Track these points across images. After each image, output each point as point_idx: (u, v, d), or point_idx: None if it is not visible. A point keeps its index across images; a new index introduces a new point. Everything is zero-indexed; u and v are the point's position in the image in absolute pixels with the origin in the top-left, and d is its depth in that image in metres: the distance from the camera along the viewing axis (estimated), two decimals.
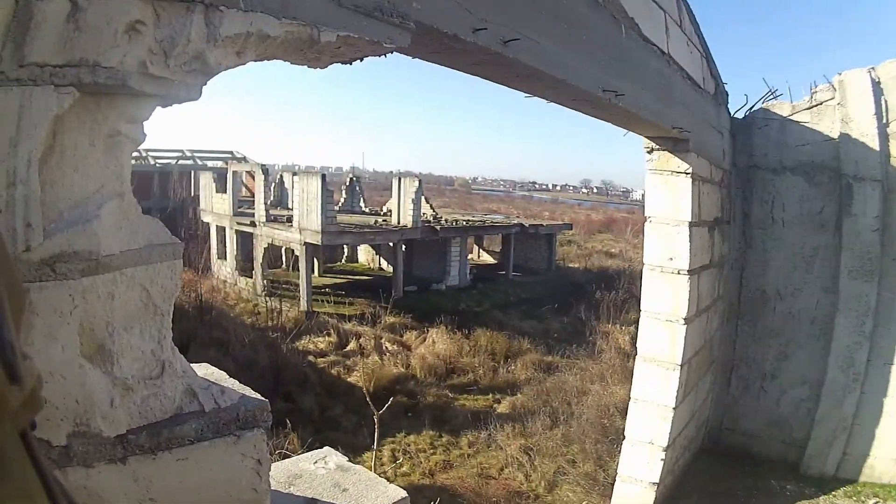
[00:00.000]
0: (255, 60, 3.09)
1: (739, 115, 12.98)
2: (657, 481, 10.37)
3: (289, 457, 14.70)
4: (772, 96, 12.79)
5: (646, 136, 9.91)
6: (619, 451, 11.29)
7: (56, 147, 2.34)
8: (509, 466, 19.10)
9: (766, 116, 12.65)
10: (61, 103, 2.24)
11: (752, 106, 12.96)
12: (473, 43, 4.36)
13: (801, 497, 11.22)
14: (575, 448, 18.91)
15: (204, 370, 3.45)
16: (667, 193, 10.01)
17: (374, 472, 15.26)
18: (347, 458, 4.71)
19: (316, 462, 4.54)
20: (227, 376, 3.39)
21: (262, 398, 3.12)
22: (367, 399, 10.63)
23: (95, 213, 2.43)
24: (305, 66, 3.72)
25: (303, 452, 5.00)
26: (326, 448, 4.91)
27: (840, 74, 11.88)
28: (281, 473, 4.31)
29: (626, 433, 10.97)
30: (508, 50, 4.79)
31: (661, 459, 10.31)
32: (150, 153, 58.65)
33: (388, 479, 14.30)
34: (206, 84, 2.80)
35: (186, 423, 2.74)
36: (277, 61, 3.31)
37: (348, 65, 3.76)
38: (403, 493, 4.21)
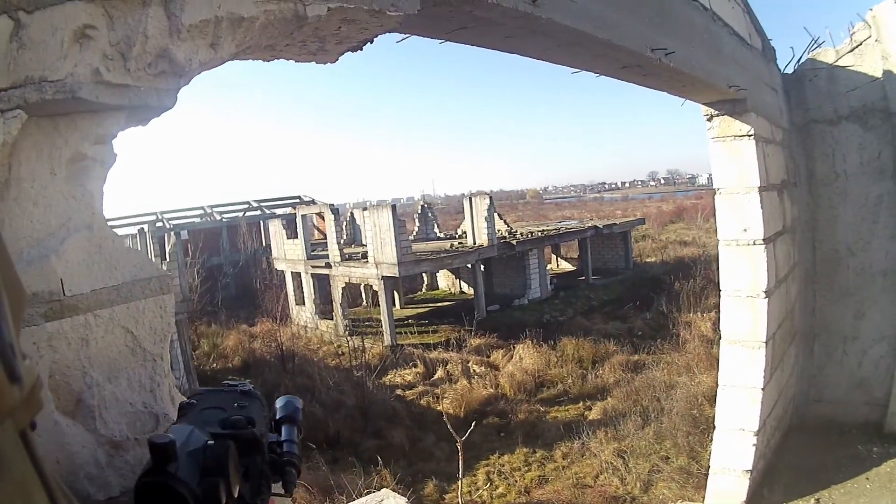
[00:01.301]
0: (241, 55, 2.74)
1: (789, 70, 12.48)
2: (750, 468, 9.93)
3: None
4: (815, 45, 12.32)
5: (703, 103, 9.62)
6: (711, 441, 10.99)
7: (11, 180, 2.07)
8: (604, 472, 18.99)
9: (813, 67, 12.16)
10: (8, 129, 1.98)
11: (799, 58, 12.47)
12: (496, 3, 3.92)
13: (888, 457, 10.79)
14: (667, 444, 18.79)
15: None
16: (733, 160, 9.64)
17: (468, 498, 15.05)
18: (407, 500, 4.32)
19: None
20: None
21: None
22: (449, 428, 10.28)
23: (55, 249, 2.13)
24: (314, 63, 3.38)
25: (366, 494, 4.61)
26: (384, 491, 4.54)
27: (872, 10, 11.38)
28: None
29: (716, 422, 10.54)
30: (539, 9, 4.28)
31: (753, 445, 9.87)
32: (216, 209, 59.50)
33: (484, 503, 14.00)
34: (179, 88, 2.43)
35: None
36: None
37: (359, 51, 3.38)
38: None
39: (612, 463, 19.02)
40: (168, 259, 31.41)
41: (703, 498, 10.97)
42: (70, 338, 2.14)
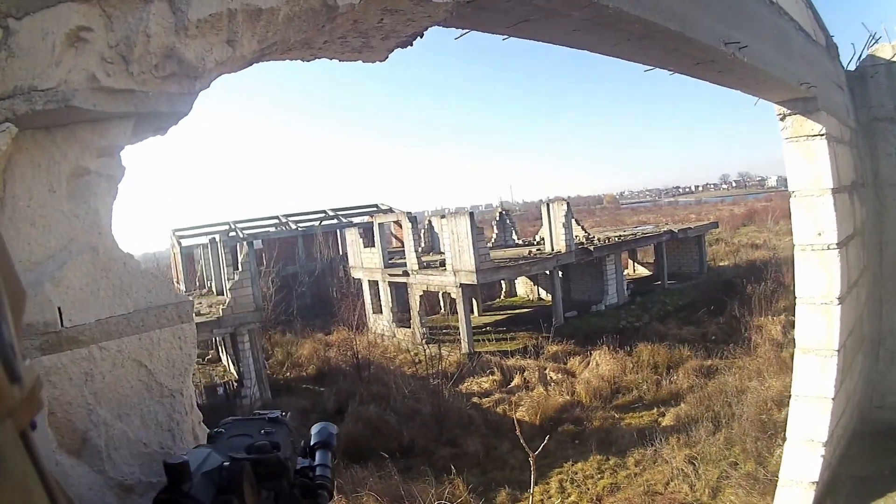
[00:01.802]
0: (270, 53, 2.50)
1: (851, 67, 12.10)
2: (816, 480, 9.66)
3: None
4: (874, 40, 11.91)
5: (775, 102, 9.40)
6: (778, 446, 10.80)
7: (6, 198, 1.88)
8: (674, 479, 19.06)
9: (873, 63, 11.82)
10: None
11: (860, 55, 12.08)
12: None
13: None
14: (736, 450, 18.90)
15: None
16: (806, 161, 9.42)
17: None
18: None
19: None
20: None
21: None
22: (522, 441, 10.14)
23: (51, 275, 1.92)
24: (361, 62, 3.16)
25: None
26: None
27: None
28: None
29: (787, 433, 10.29)
30: None
31: (821, 456, 9.63)
32: (291, 218, 60.07)
33: None
34: (196, 91, 2.18)
35: None
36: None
37: (409, 46, 3.14)
38: None
39: (682, 469, 19.11)
40: (241, 269, 31.52)
41: None
42: (71, 372, 1.94)
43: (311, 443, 2.08)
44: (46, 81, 1.83)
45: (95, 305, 1.99)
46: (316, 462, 1.99)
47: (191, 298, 2.32)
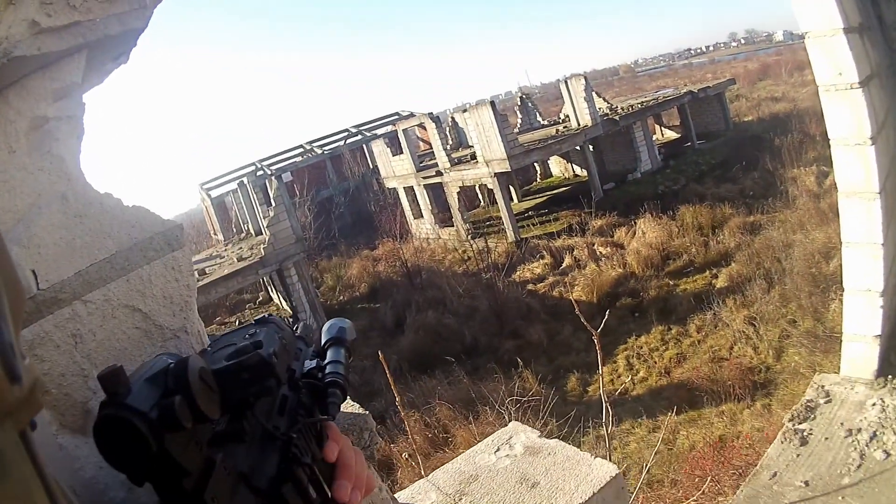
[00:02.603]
0: None
1: None
2: (879, 333, 9.35)
3: (523, 401, 14.31)
4: None
5: None
6: (832, 300, 10.51)
7: None
8: (738, 343, 19.25)
9: None
10: None
11: None
12: None
13: None
14: (793, 306, 18.91)
15: None
16: (813, 2, 8.98)
17: (610, 388, 14.74)
18: (539, 434, 3.91)
19: (499, 449, 3.77)
20: (352, 403, 2.59)
21: (361, 412, 2.40)
22: (583, 321, 9.98)
23: (19, 238, 1.74)
24: None
25: (483, 440, 4.20)
26: (512, 424, 4.16)
27: None
28: (452, 480, 3.57)
29: (844, 284, 10.06)
30: None
31: (881, 307, 9.29)
32: (315, 144, 59.86)
33: (626, 391, 13.69)
34: (147, 3, 1.97)
35: None
36: None
37: None
38: (613, 471, 3.35)
39: (744, 332, 19.27)
40: (273, 204, 31.45)
41: (835, 365, 10.72)
42: (57, 339, 1.76)
43: (322, 343, 1.89)
44: None
45: (73, 257, 1.82)
46: (326, 361, 1.80)
47: (180, 223, 2.12)
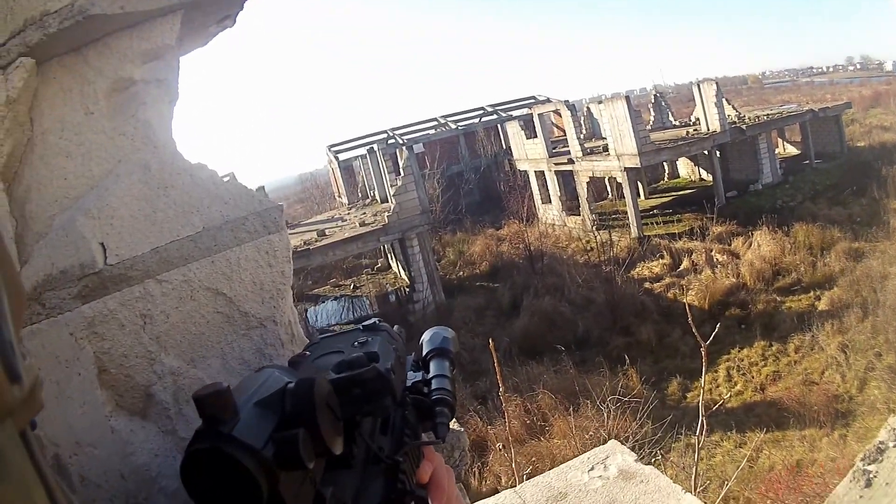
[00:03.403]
0: None
1: None
2: None
3: (624, 400, 14.31)
4: None
5: None
6: None
7: (35, 137, 1.66)
8: (829, 368, 19.79)
9: None
10: (12, 84, 1.58)
11: None
12: None
13: None
14: (881, 339, 19.28)
15: None
16: None
17: (708, 396, 14.64)
18: (636, 458, 3.76)
19: (592, 468, 3.66)
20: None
21: (456, 429, 2.30)
22: (694, 331, 9.87)
23: (87, 207, 1.65)
24: None
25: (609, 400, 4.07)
26: (611, 444, 4.03)
27: None
28: (541, 494, 3.43)
29: None
30: None
31: None
32: (450, 119, 59.68)
33: (723, 402, 13.66)
34: None
35: None
36: None
37: None
38: None
39: (835, 358, 19.75)
40: (402, 173, 31.74)
41: None
42: (123, 318, 1.66)
43: (423, 353, 1.69)
44: (59, 2, 1.59)
45: (152, 232, 1.72)
46: (431, 374, 1.61)
47: (281, 204, 1.99)
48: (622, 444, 4.05)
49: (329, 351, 1.46)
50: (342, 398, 1.13)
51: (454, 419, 2.32)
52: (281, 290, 1.93)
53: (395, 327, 1.67)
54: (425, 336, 1.73)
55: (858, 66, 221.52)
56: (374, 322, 1.58)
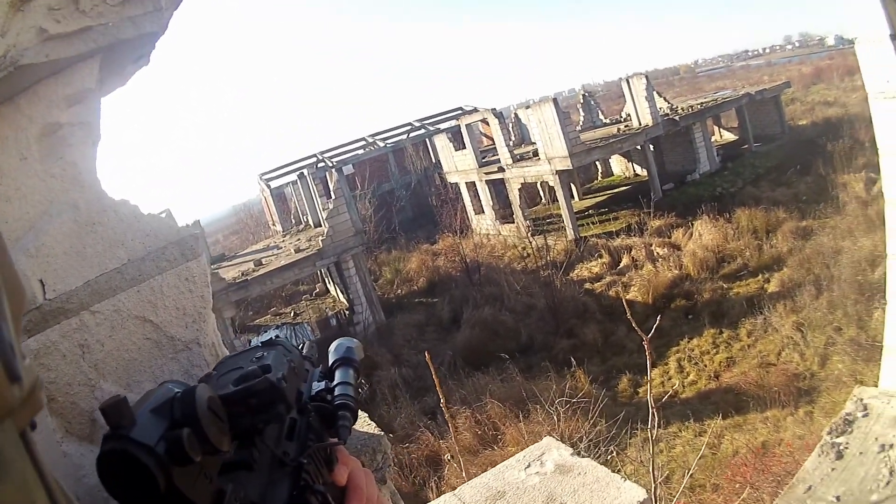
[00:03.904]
0: None
1: None
2: None
3: (573, 402, 14.36)
4: None
5: None
6: (875, 308, 10.51)
7: None
8: (786, 348, 19.66)
9: None
10: None
11: None
12: None
13: None
14: (839, 314, 19.21)
15: None
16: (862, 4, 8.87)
17: (660, 389, 14.81)
18: (572, 451, 3.87)
19: (529, 465, 3.75)
20: (368, 422, 2.56)
21: (376, 433, 2.37)
22: (634, 325, 9.99)
23: (27, 247, 1.75)
24: None
25: (519, 452, 4.18)
26: (546, 440, 4.14)
27: None
28: (478, 495, 3.53)
29: (887, 295, 9.96)
30: None
31: None
32: (378, 137, 59.81)
33: (676, 394, 13.78)
34: (162, 6, 1.95)
35: None
36: None
37: None
38: (641, 495, 3.30)
39: (792, 338, 19.66)
40: (333, 196, 31.66)
41: (876, 375, 10.71)
42: (64, 349, 1.77)
43: (330, 363, 1.83)
44: None
45: (83, 267, 1.82)
46: (335, 382, 1.74)
47: (196, 232, 2.10)
48: (562, 442, 4.15)
49: (231, 368, 1.54)
50: (241, 408, 1.28)
51: (375, 424, 2.43)
52: (202, 313, 2.04)
53: (306, 343, 1.83)
54: (331, 347, 1.86)
55: (797, 45, 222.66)
56: (271, 338, 1.68)
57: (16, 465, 0.73)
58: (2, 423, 0.70)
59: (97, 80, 1.92)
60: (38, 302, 1.71)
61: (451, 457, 13.43)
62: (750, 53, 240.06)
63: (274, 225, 55.21)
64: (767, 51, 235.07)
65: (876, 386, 7.74)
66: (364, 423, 2.43)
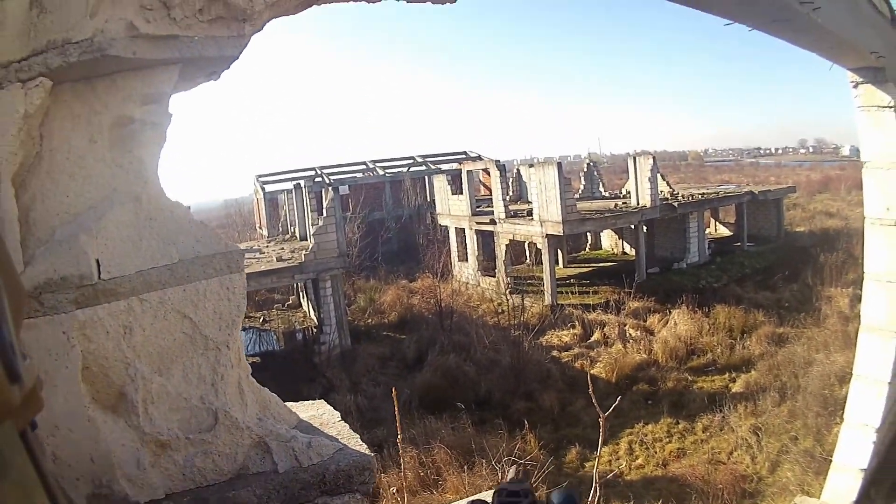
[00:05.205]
0: None
1: None
2: (865, 467, 9.51)
3: (520, 462, 14.43)
4: None
5: (847, 67, 9.37)
6: (835, 424, 10.73)
7: (44, 152, 1.88)
8: (738, 449, 19.58)
9: None
10: (31, 99, 1.77)
11: None
12: None
13: None
14: (798, 424, 19.25)
15: (312, 411, 2.80)
16: (877, 132, 9.25)
17: (607, 467, 14.97)
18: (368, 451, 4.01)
19: None
20: (338, 419, 2.70)
21: (366, 453, 2.48)
22: (594, 401, 10.12)
23: (88, 226, 1.88)
24: (430, 3, 3.05)
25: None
26: (484, 494, 4.26)
27: None
28: None
29: (845, 415, 10.17)
30: None
31: (873, 443, 9.45)
32: (378, 164, 59.86)
33: (621, 474, 14.02)
34: (246, 34, 2.11)
35: (246, 488, 2.09)
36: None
37: None
38: None
39: (746, 440, 19.60)
40: (325, 214, 31.67)
41: (820, 489, 10.89)
42: (108, 326, 1.90)
43: None
44: (80, 33, 1.80)
45: (137, 256, 1.95)
46: None
47: (242, 248, 2.25)
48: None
49: None
50: None
51: (366, 445, 2.58)
52: (236, 321, 2.18)
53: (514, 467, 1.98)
54: (554, 497, 1.98)
55: (811, 150, 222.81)
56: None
57: (16, 465, 0.77)
58: (2, 423, 0.75)
59: (174, 85, 2.06)
60: (94, 280, 1.84)
61: (397, 490, 13.41)
62: (762, 151, 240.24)
63: (261, 228, 54.99)
64: (780, 151, 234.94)
65: (818, 499, 7.94)
66: (356, 443, 2.55)
